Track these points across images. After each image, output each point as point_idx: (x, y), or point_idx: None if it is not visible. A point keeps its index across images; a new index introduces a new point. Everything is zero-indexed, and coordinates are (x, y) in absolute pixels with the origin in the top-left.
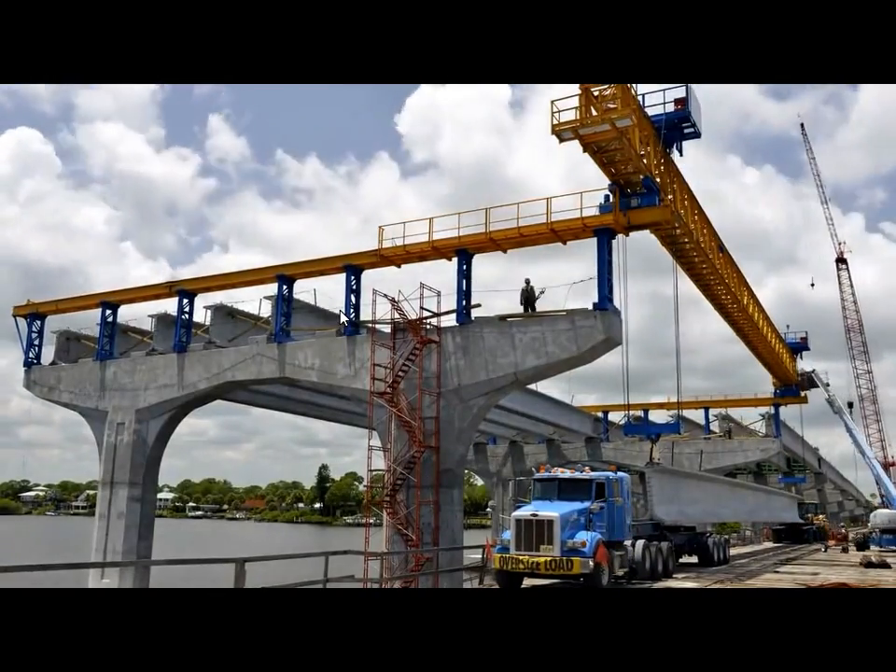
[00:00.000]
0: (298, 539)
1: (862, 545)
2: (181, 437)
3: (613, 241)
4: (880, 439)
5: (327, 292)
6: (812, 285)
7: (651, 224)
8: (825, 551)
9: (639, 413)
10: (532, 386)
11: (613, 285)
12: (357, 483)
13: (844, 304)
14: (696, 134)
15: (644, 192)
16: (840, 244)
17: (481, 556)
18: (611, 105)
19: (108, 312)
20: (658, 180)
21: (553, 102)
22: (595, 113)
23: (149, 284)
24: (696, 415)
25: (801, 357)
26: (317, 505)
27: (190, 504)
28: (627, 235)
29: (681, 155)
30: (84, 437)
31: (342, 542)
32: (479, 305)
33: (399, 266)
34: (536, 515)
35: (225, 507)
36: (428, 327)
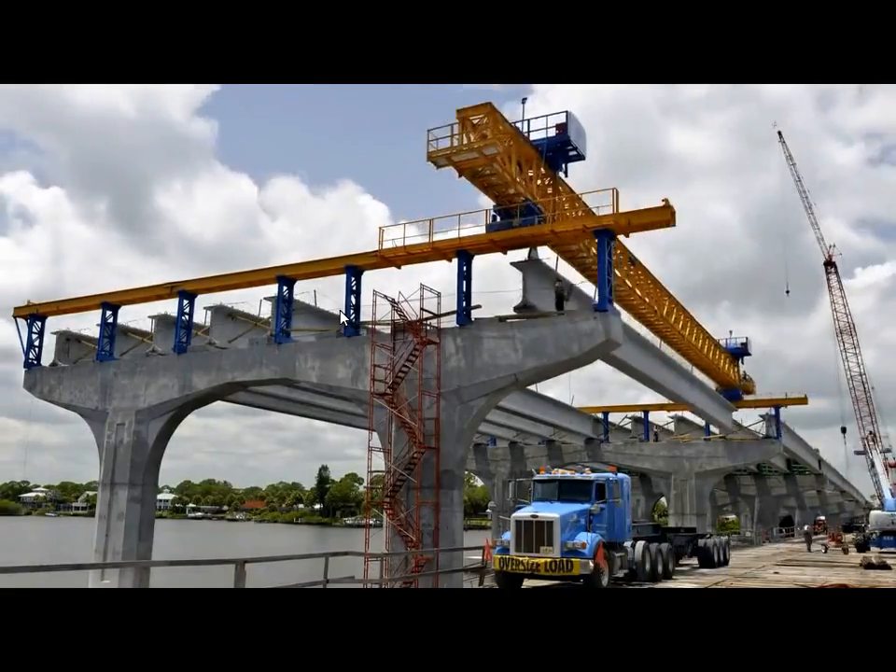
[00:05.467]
0: (298, 539)
1: (863, 546)
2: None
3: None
4: (877, 440)
5: (328, 293)
6: (787, 292)
7: (652, 225)
8: (825, 552)
9: (639, 413)
10: (532, 387)
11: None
12: (356, 485)
13: (834, 307)
14: (580, 157)
15: (526, 213)
16: (830, 247)
17: (480, 557)
18: (486, 133)
19: (108, 313)
20: (542, 200)
21: (429, 130)
22: (469, 140)
23: (150, 285)
24: (697, 416)
25: (742, 362)
26: (317, 506)
27: (190, 505)
28: (628, 236)
29: (566, 176)
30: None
31: (342, 543)
32: (479, 306)
33: (399, 267)
34: (536, 516)
35: (225, 508)
36: (429, 328)
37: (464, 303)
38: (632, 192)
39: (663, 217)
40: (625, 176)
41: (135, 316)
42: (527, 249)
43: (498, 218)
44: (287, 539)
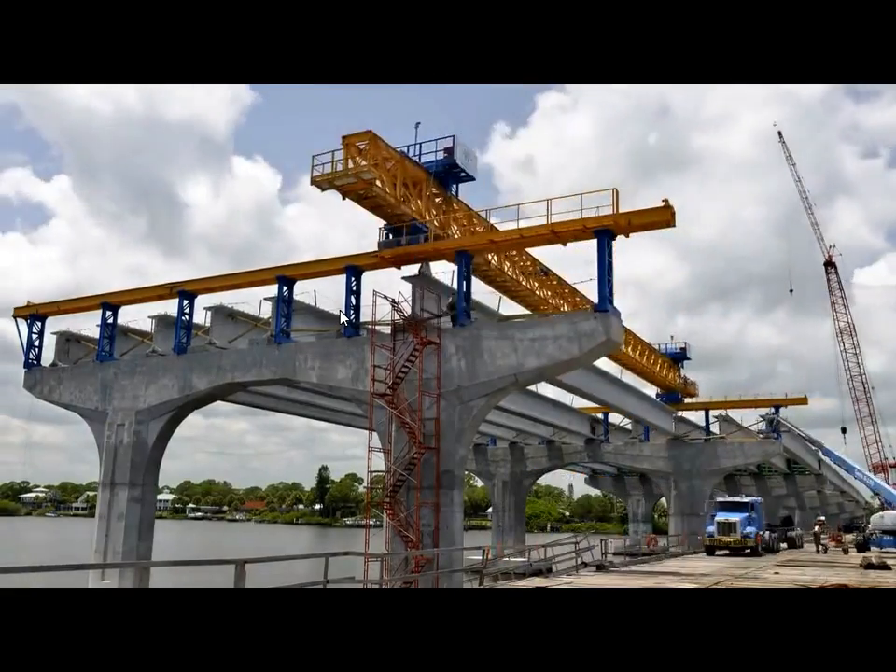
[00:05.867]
0: (298, 540)
1: (863, 546)
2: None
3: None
4: (877, 440)
5: (328, 293)
6: (791, 291)
7: (652, 225)
8: (825, 552)
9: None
10: (531, 387)
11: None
12: (356, 485)
13: (834, 307)
14: (470, 178)
15: (413, 231)
16: (830, 247)
17: (481, 557)
18: (367, 158)
19: (108, 313)
20: (439, 218)
21: (313, 156)
22: (356, 164)
23: (150, 285)
24: (697, 416)
25: (682, 366)
26: (317, 506)
27: (190, 505)
28: (628, 237)
29: (457, 196)
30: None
31: (342, 544)
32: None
33: (399, 268)
34: (728, 520)
35: (225, 508)
36: (428, 328)
37: (464, 303)
38: (667, 193)
39: (663, 217)
40: (660, 176)
41: (135, 316)
42: (418, 264)
43: (391, 236)
44: (288, 540)
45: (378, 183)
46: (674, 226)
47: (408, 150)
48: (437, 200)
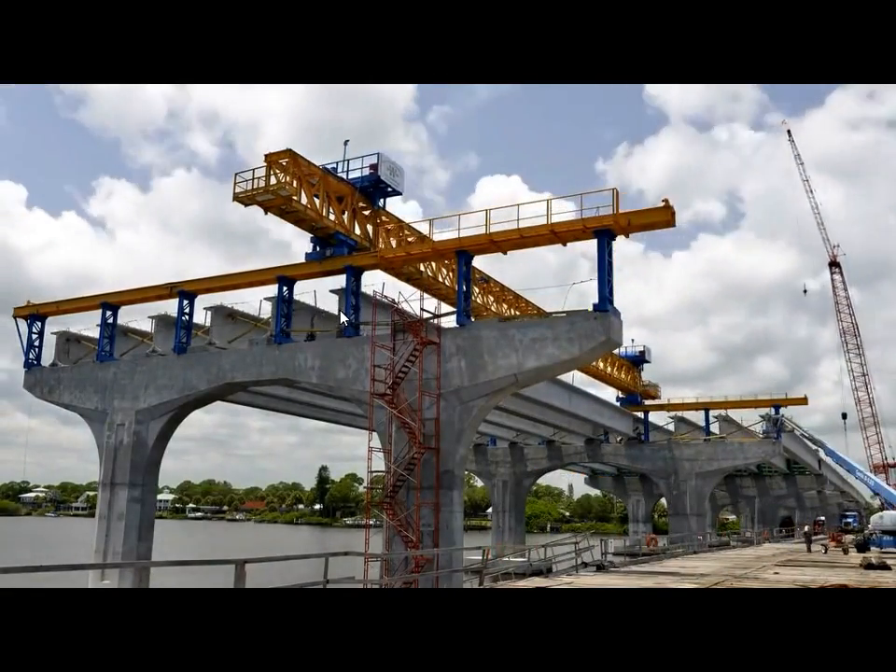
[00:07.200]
0: (298, 540)
1: (863, 547)
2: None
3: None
4: (878, 441)
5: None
6: (805, 291)
7: (652, 225)
8: (825, 552)
9: (639, 414)
10: (530, 391)
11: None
12: (356, 485)
13: (838, 307)
14: (397, 192)
15: (337, 243)
16: (834, 247)
17: (481, 557)
18: (289, 175)
19: (108, 313)
20: (364, 231)
21: (236, 174)
22: (279, 181)
23: (150, 285)
24: (696, 416)
25: (642, 369)
26: (317, 506)
27: (190, 505)
28: (627, 237)
29: (384, 208)
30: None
31: (342, 544)
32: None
33: (399, 268)
34: (847, 520)
35: (225, 508)
36: (428, 328)
37: (464, 303)
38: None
39: (663, 217)
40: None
41: (135, 316)
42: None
43: (318, 248)
44: (288, 540)
45: (298, 199)
46: (674, 226)
47: (336, 167)
48: (365, 213)
